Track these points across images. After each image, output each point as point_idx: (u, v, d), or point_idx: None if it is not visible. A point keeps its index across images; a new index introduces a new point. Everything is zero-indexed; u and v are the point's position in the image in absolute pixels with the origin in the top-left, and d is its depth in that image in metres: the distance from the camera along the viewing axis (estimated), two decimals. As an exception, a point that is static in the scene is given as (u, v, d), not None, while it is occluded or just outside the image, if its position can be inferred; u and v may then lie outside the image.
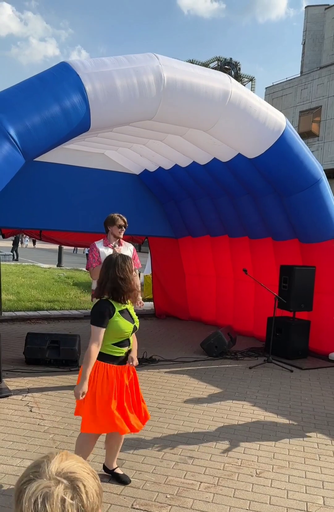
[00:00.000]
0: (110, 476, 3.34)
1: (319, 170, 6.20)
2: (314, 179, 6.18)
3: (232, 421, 4.56)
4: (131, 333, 3.08)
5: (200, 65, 42.22)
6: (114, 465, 3.38)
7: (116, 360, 3.02)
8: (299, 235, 6.85)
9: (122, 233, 5.08)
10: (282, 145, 5.80)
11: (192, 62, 41.44)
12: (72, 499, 0.88)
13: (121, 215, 5.06)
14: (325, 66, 29.47)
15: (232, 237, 8.12)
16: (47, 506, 0.86)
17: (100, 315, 2.92)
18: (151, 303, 10.36)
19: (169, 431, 4.25)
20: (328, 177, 28.01)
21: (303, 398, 5.33)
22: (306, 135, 29.75)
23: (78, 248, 25.85)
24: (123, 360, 3.07)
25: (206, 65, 41.79)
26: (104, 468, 3.40)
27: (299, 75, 31.38)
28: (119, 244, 5.14)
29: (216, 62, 41.37)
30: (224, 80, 5.24)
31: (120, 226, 5.03)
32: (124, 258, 3.02)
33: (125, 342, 3.05)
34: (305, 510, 3.12)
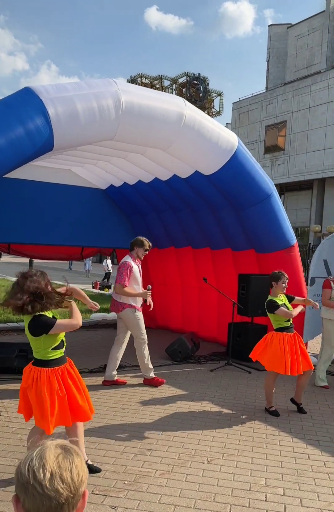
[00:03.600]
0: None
1: (270, 185, 6.69)
2: (266, 194, 6.66)
3: (190, 417, 4.92)
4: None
5: (169, 80, 43.07)
6: (85, 456, 3.66)
7: (56, 362, 3.36)
8: (255, 246, 7.33)
9: (144, 255, 5.93)
10: (234, 163, 6.27)
11: (161, 77, 42.25)
12: (63, 456, 1.08)
13: (147, 240, 5.95)
14: (289, 82, 30.64)
15: (195, 248, 8.54)
16: (43, 459, 1.05)
17: (46, 321, 3.26)
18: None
19: (130, 428, 4.57)
20: (294, 189, 28.98)
21: (257, 396, 5.74)
22: (272, 149, 30.80)
23: (73, 261, 25.67)
24: (63, 358, 3.43)
25: (175, 80, 42.66)
26: None
27: (264, 91, 32.48)
28: (140, 261, 5.98)
29: (185, 77, 42.25)
30: (179, 103, 5.68)
31: (146, 250, 5.92)
32: (42, 272, 3.34)
33: (61, 344, 3.40)
34: (248, 489, 3.50)
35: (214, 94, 44.60)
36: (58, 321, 3.29)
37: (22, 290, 3.16)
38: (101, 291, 16.91)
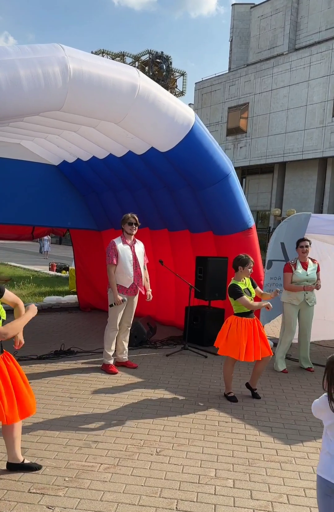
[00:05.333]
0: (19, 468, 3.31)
1: (228, 165, 6.49)
2: (224, 174, 6.46)
3: (141, 406, 4.70)
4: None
5: (132, 57, 42.16)
6: (21, 457, 3.35)
7: None
8: (213, 227, 7.14)
9: (133, 230, 5.76)
10: (191, 139, 6.01)
11: (123, 54, 41.33)
12: None
13: (133, 214, 5.78)
14: (252, 63, 30.59)
15: (152, 229, 8.27)
16: None
17: None
18: (75, 296, 10.32)
19: (77, 419, 4.31)
20: (255, 173, 29.22)
21: (212, 381, 5.60)
22: (234, 131, 30.82)
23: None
24: None
25: (137, 58, 41.82)
26: (10, 465, 3.31)
27: (227, 71, 32.32)
28: (134, 241, 5.82)
29: (147, 55, 41.50)
30: (132, 74, 5.34)
31: (130, 224, 5.71)
32: None
33: None
34: (197, 482, 3.32)
35: (177, 74, 44.11)
36: None
37: None
38: (58, 273, 16.42)
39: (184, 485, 3.27)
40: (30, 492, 3.08)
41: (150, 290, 6.10)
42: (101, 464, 3.50)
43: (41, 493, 3.08)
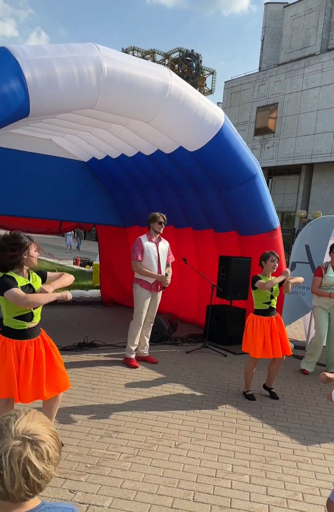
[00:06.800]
0: None
1: (255, 165, 6.52)
2: (251, 174, 6.50)
3: (161, 400, 4.82)
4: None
5: (162, 55, 42.24)
6: None
7: (18, 334, 3.19)
8: (237, 227, 7.19)
9: (162, 229, 5.87)
10: (220, 139, 6.07)
11: (153, 52, 41.43)
12: (34, 458, 1.04)
13: (162, 214, 5.87)
14: (283, 63, 30.25)
15: (177, 227, 8.37)
16: (11, 463, 1.01)
17: (4, 283, 3.06)
18: (99, 291, 10.51)
19: (99, 409, 4.45)
20: (282, 173, 28.81)
21: (231, 380, 5.67)
22: (262, 131, 30.56)
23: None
24: (29, 334, 3.24)
25: (167, 55, 41.86)
26: None
27: (257, 71, 32.06)
28: (159, 239, 5.92)
29: (178, 53, 41.48)
30: (164, 74, 5.43)
31: (160, 223, 5.82)
32: (11, 235, 3.18)
33: (27, 316, 3.21)
34: (214, 476, 3.42)
35: (207, 72, 43.96)
36: (14, 289, 3.05)
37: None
38: (82, 268, 16.69)
39: (201, 478, 3.37)
40: (53, 476, 3.22)
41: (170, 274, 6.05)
42: (122, 453, 3.63)
43: (64, 478, 3.22)
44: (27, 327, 3.23)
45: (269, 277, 5.07)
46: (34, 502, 1.16)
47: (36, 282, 3.31)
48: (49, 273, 3.42)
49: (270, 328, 4.97)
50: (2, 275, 3.13)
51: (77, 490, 3.09)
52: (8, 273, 3.14)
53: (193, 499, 3.09)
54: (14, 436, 1.04)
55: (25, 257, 3.18)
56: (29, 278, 3.26)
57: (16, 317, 3.18)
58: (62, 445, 3.51)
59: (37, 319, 3.31)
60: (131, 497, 3.05)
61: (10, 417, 1.08)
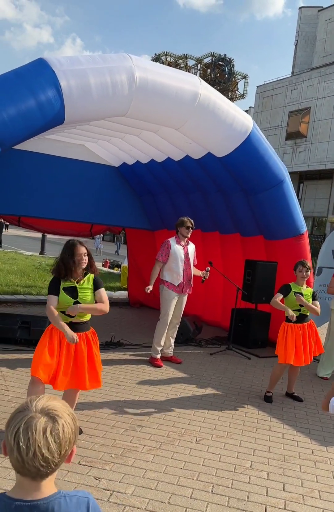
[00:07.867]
0: None
1: (283, 171, 6.60)
2: (278, 180, 6.58)
3: (183, 398, 4.98)
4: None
5: (194, 59, 42.46)
6: None
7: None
8: (264, 232, 7.27)
9: (189, 234, 6.08)
10: (248, 145, 6.19)
11: (186, 57, 41.68)
12: (50, 430, 1.11)
13: (189, 218, 6.08)
14: (316, 68, 29.92)
15: (204, 231, 8.51)
16: (28, 433, 1.09)
17: (50, 287, 3.64)
18: (126, 292, 10.76)
19: (124, 404, 4.65)
20: (313, 178, 28.52)
21: (254, 382, 5.77)
22: (294, 135, 30.29)
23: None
24: (74, 328, 3.63)
25: (200, 60, 42.02)
26: None
27: (290, 75, 31.79)
28: (187, 243, 6.14)
29: (210, 57, 41.58)
30: (194, 82, 5.61)
31: (188, 228, 6.03)
32: (71, 244, 3.63)
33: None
34: (233, 471, 3.55)
35: (239, 77, 43.86)
36: (49, 295, 3.59)
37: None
38: (111, 270, 17.03)
39: (220, 472, 3.50)
40: (80, 464, 3.43)
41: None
42: (145, 446, 3.81)
43: (90, 466, 3.42)
44: (69, 322, 3.64)
45: (301, 286, 5.13)
46: (51, 489, 1.18)
47: (86, 286, 3.68)
48: (101, 290, 3.75)
49: (302, 335, 5.02)
50: (52, 277, 3.67)
51: (102, 477, 3.28)
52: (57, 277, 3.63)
53: (212, 491, 3.24)
54: (34, 410, 1.13)
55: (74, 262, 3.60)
56: (84, 276, 3.68)
57: (61, 311, 3.64)
58: (81, 432, 3.79)
59: (79, 317, 3.69)
60: (153, 486, 3.22)
61: (34, 397, 1.18)
